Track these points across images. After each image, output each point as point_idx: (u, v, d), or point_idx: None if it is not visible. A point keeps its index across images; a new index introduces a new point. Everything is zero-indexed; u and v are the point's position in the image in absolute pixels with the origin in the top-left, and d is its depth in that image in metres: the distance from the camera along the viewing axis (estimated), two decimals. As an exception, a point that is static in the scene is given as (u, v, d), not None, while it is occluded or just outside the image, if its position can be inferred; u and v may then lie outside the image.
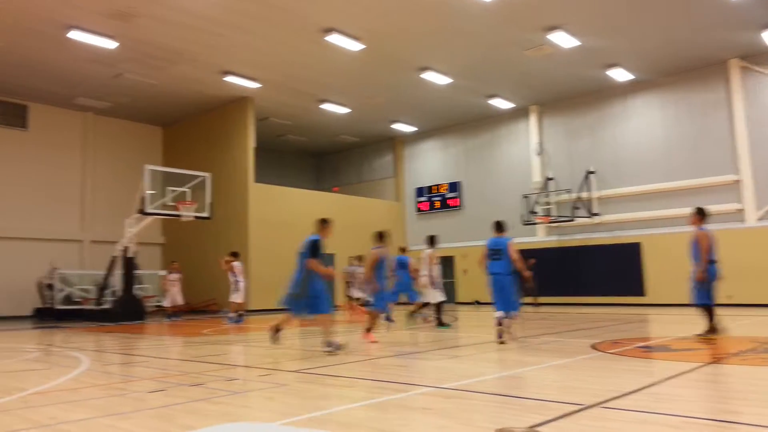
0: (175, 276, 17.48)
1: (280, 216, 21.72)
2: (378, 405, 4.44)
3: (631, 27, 16.04)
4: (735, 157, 18.13)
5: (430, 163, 26.12)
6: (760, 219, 17.55)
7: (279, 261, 21.29)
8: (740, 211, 17.91)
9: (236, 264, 15.64)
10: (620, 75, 19.41)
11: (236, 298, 15.35)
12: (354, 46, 16.59)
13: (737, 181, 18.00)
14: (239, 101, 21.43)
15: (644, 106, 20.25)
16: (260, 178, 22.00)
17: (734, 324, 11.35)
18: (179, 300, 17.35)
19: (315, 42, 16.39)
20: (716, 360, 6.41)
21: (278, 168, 27.45)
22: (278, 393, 5.03)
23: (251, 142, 21.32)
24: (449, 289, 24.80)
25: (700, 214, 8.98)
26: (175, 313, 17.40)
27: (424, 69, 18.72)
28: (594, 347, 7.84)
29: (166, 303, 17.41)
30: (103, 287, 17.76)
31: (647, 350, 7.62)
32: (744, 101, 18.04)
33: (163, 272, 21.03)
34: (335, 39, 16.14)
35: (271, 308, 20.54)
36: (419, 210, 26.11)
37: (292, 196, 22.71)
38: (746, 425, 3.64)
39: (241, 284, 15.22)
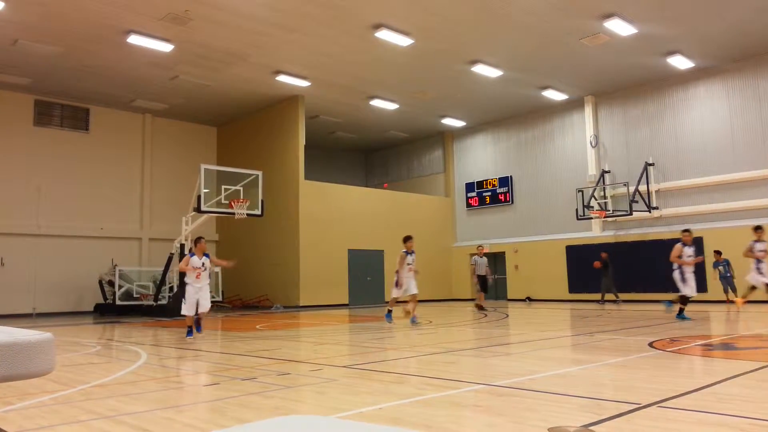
0: None
1: (330, 213, 21.95)
2: (427, 401, 4.42)
3: (691, 11, 15.37)
4: (805, 145, 17.14)
5: (480, 158, 25.83)
6: (834, 211, 16.54)
7: (328, 258, 21.59)
8: (811, 203, 16.93)
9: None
10: (680, 62, 18.65)
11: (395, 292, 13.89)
12: (403, 41, 16.56)
13: (808, 172, 17.02)
14: (290, 100, 21.75)
15: (707, 94, 19.39)
16: (310, 175, 22.28)
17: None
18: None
19: (364, 38, 16.45)
20: (785, 360, 6.08)
21: (328, 165, 27.74)
22: (328, 388, 5.07)
23: (302, 140, 21.61)
24: (501, 285, 24.53)
25: None
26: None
27: (475, 62, 18.50)
28: (652, 345, 7.58)
29: None
30: (160, 283, 18.37)
31: (708, 348, 7.31)
32: (815, 86, 17.02)
33: (217, 268, 21.61)
34: (384, 35, 16.15)
35: (320, 304, 20.83)
36: (469, 205, 25.87)
37: (342, 192, 22.91)
38: (818, 429, 3.43)
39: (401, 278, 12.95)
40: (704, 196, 19.05)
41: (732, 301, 16.48)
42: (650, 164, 20.26)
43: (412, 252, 12.31)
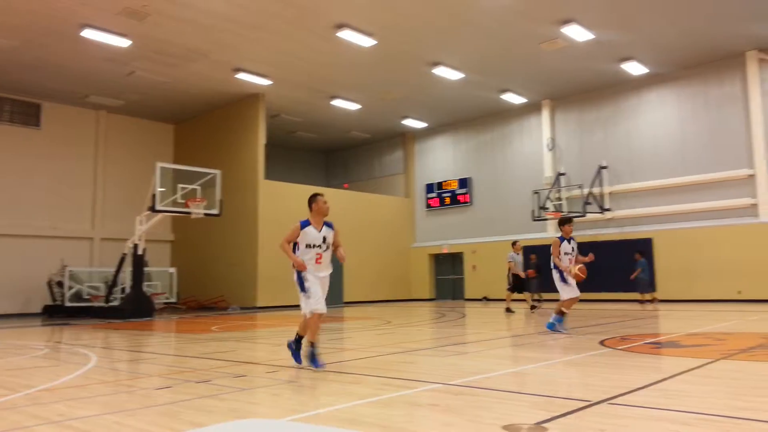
0: None
1: (290, 213, 21.73)
2: (384, 401, 4.43)
3: (646, 19, 15.85)
4: (750, 151, 17.89)
5: (440, 159, 26.05)
6: (775, 214, 17.32)
7: (287, 258, 21.40)
8: (754, 206, 17.69)
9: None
10: (635, 68, 19.21)
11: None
12: (366, 41, 16.55)
13: (751, 176, 17.77)
14: (250, 98, 21.48)
15: (659, 100, 20.04)
16: (270, 174, 22.05)
17: (744, 320, 11.21)
18: None
19: (327, 38, 16.38)
20: (725, 356, 6.33)
21: (288, 164, 27.52)
22: (285, 389, 5.03)
23: (262, 139, 21.37)
24: (458, 285, 24.81)
25: None
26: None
27: (436, 64, 18.65)
28: (603, 343, 7.78)
29: None
30: (112, 284, 17.90)
31: (656, 346, 7.55)
32: (761, 94, 17.79)
33: (172, 269, 21.19)
34: (347, 35, 16.11)
35: (279, 305, 20.64)
36: (429, 206, 26.06)
37: (302, 192, 22.53)
38: (754, 421, 3.58)
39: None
40: (655, 199, 19.67)
41: (647, 302, 17.16)
42: (604, 167, 20.80)
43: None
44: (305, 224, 6.24)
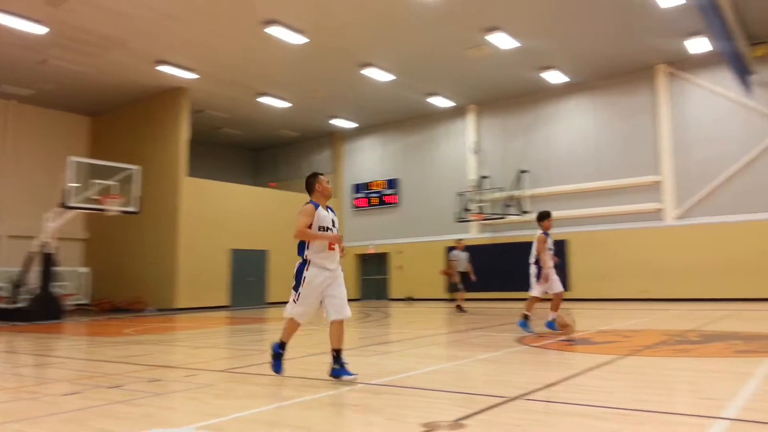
0: None
1: (213, 211, 21.21)
2: (306, 403, 4.39)
3: (566, 31, 16.56)
4: (657, 159, 19.07)
5: (368, 160, 26.15)
6: (678, 218, 18.54)
7: (209, 258, 20.83)
8: (660, 210, 18.87)
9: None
10: (555, 77, 20.04)
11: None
12: (296, 39, 16.34)
13: (658, 182, 18.94)
14: (173, 92, 20.72)
15: (576, 108, 20.99)
16: (194, 172, 21.38)
17: (649, 318, 11.93)
18: None
19: (255, 33, 16.05)
20: (632, 352, 6.71)
21: (213, 162, 26.79)
22: (203, 393, 4.89)
23: (185, 135, 20.67)
24: (383, 285, 25.00)
25: None
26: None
27: (367, 65, 18.69)
28: (520, 341, 8.06)
29: None
30: (18, 285, 16.77)
31: (570, 343, 7.90)
32: (668, 106, 18.99)
33: (84, 269, 20.14)
34: (277, 31, 15.85)
35: (199, 306, 20.05)
36: (356, 207, 26.10)
37: (226, 190, 22.19)
38: (657, 413, 3.82)
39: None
40: (571, 202, 20.59)
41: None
42: (524, 171, 21.56)
43: None
44: (316, 205, 5.33)
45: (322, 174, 5.59)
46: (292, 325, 5.44)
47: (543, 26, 16.24)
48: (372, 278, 25.62)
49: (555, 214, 20.51)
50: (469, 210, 21.74)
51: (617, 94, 20.10)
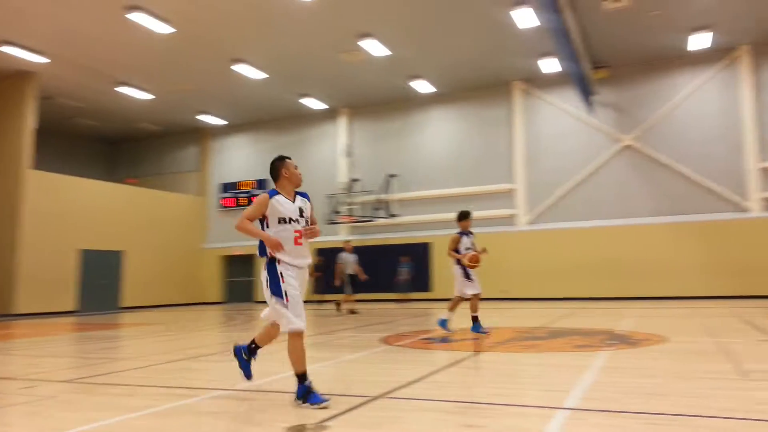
0: None
1: (62, 208, 19.43)
2: (162, 413, 4.16)
3: (433, 43, 17.28)
4: (512, 168, 20.50)
5: (237, 159, 25.40)
6: (529, 223, 20.08)
7: (56, 258, 19.06)
8: (513, 216, 20.31)
9: None
10: (423, 87, 20.84)
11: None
12: (161, 27, 15.46)
13: (512, 190, 20.37)
14: (18, 76, 18.67)
15: (442, 117, 21.97)
16: (41, 165, 19.44)
17: (504, 316, 12.77)
18: None
19: (116, 18, 14.93)
20: (487, 348, 7.15)
21: (64, 155, 24.56)
22: (44, 406, 4.46)
23: (30, 124, 18.73)
24: (251, 288, 24.40)
25: None
26: None
27: (238, 61, 18.14)
28: (383, 341, 8.26)
29: None
30: None
31: (430, 342, 8.24)
32: (522, 120, 20.51)
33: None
34: (139, 18, 14.86)
35: (43, 311, 18.29)
36: (223, 206, 25.24)
37: (78, 186, 20.41)
38: (508, 405, 4.10)
39: None
40: (435, 207, 21.50)
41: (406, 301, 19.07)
42: (393, 175, 22.16)
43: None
44: (273, 193, 4.49)
45: (289, 157, 4.68)
46: (274, 332, 4.66)
47: (412, 36, 16.82)
48: (238, 280, 24.91)
49: (421, 218, 21.54)
50: (338, 212, 21.91)
51: (478, 107, 21.35)
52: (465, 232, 9.18)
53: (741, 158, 17.69)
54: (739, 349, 6.83)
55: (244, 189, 24.91)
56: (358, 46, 17.04)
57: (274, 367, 6.33)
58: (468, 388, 4.82)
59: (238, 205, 24.86)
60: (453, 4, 14.93)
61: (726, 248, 17.31)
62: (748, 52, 17.79)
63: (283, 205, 4.45)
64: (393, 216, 21.81)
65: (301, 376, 4.29)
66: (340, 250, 16.65)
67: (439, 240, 20.90)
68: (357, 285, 15.62)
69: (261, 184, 24.51)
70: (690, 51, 18.00)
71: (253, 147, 25.18)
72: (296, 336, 4.34)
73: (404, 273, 19.52)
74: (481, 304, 9.14)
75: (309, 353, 7.50)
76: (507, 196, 20.51)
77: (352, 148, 23.16)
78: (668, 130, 18.65)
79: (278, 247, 4.29)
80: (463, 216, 9.30)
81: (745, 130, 17.70)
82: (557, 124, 20.18)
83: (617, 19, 15.71)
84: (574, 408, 3.96)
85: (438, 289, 20.19)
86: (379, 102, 22.61)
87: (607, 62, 18.89)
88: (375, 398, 4.37)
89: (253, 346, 4.85)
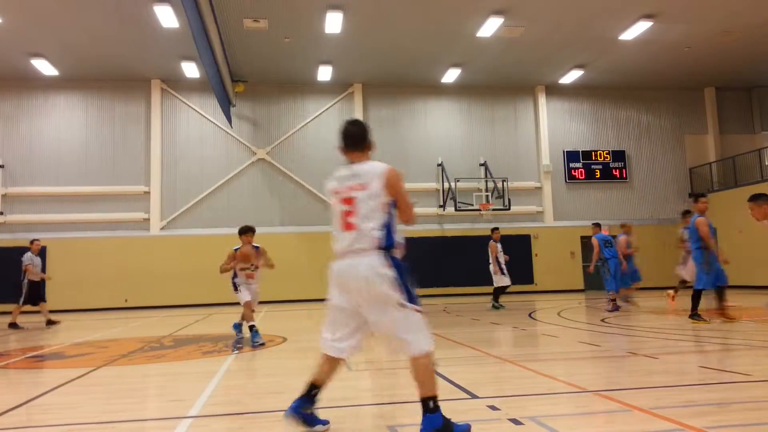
0: None
1: None
2: None
3: (59, 19, 15.25)
4: (148, 170, 19.55)
5: None
6: (162, 229, 19.43)
7: None
8: (147, 220, 19.37)
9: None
10: (45, 67, 18.19)
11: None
12: None
13: (147, 193, 19.43)
14: None
15: (67, 105, 19.54)
16: None
17: (128, 326, 12.06)
18: None
19: None
20: (107, 363, 6.64)
21: None
22: None
23: None
24: None
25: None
26: None
27: None
28: (-23, 364, 6.89)
29: None
30: None
31: (39, 360, 7.24)
32: (161, 121, 19.75)
33: None
34: None
35: None
36: None
37: None
38: (126, 422, 3.89)
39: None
40: (53, 206, 18.95)
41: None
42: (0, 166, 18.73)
43: None
44: None
45: None
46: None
47: (29, 8, 14.50)
48: None
49: (34, 218, 18.67)
50: None
51: (113, 100, 19.77)
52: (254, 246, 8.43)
53: (353, 179, 20.61)
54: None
55: None
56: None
57: None
58: (81, 407, 4.39)
59: None
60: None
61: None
62: (359, 89, 20.93)
63: None
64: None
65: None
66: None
67: (58, 244, 18.43)
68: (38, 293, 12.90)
69: None
70: (318, 81, 20.25)
71: None
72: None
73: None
74: (104, 315, 8.46)
75: None
76: (141, 198, 19.44)
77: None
78: (296, 148, 20.53)
79: None
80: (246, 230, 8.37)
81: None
82: (197, 129, 20.12)
83: (256, 38, 16.62)
84: (198, 416, 4.01)
85: (55, 298, 17.65)
86: (-11, 75, 18.82)
87: (246, 77, 19.76)
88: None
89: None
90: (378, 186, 3.30)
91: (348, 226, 3.37)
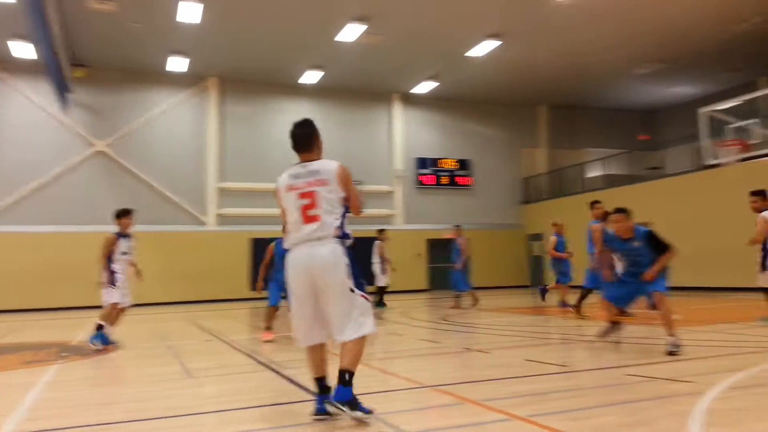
0: None
1: None
2: None
3: None
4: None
5: None
6: (-20, 225, 17.20)
7: None
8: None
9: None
10: None
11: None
12: None
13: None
14: None
15: None
16: None
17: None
18: None
19: None
20: None
21: None
22: None
23: None
24: None
25: None
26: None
27: None
28: None
29: None
30: None
31: None
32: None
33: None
34: None
35: None
36: None
37: None
38: None
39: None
40: None
41: None
42: None
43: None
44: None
45: None
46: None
47: None
48: None
49: None
50: None
51: None
52: (125, 234, 8.09)
53: (203, 177, 19.76)
54: (188, 349, 7.61)
55: None
56: None
57: None
58: None
59: None
60: None
61: (184, 257, 18.90)
62: (215, 84, 20.15)
63: None
64: None
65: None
66: None
67: None
68: None
69: None
70: (169, 71, 19.14)
71: None
72: None
73: None
74: None
75: None
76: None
77: None
78: (142, 142, 19.21)
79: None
80: (123, 213, 8.07)
81: (208, 153, 19.87)
82: (26, 115, 18.04)
83: (101, 20, 15.31)
84: (13, 432, 3.63)
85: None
86: None
87: (87, 62, 18.15)
88: None
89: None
90: (335, 182, 3.69)
91: (309, 219, 3.64)
